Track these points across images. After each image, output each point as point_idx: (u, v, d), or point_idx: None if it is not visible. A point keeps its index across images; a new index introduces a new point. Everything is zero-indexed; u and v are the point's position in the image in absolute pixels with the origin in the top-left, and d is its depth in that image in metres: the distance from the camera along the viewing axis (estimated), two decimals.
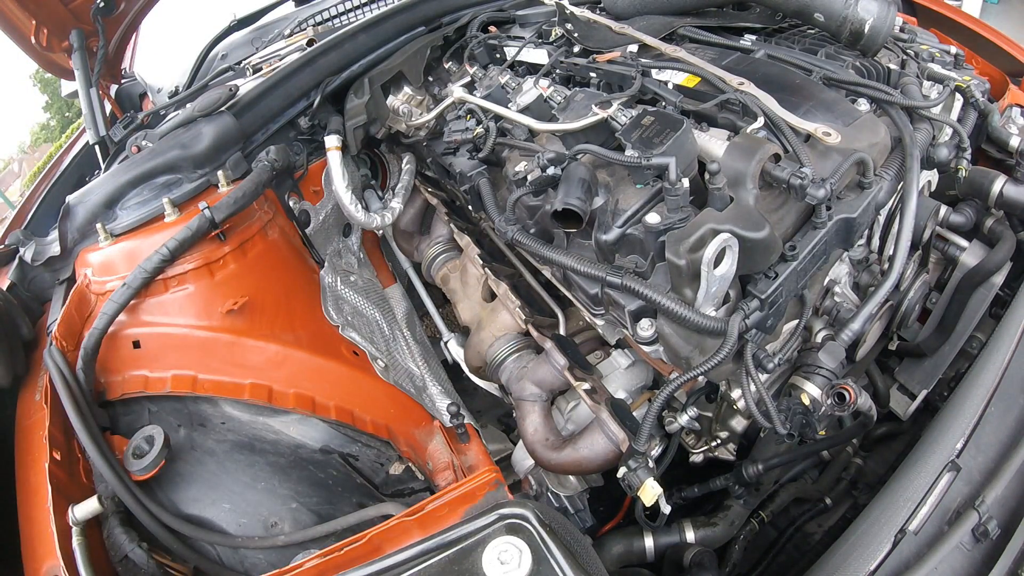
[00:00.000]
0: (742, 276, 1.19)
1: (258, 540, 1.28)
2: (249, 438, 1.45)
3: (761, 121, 1.29)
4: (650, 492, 1.24)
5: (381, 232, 2.09)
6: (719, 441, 1.61)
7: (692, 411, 1.54)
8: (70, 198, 1.63)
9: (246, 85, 1.78)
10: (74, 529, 1.14)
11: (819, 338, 1.46)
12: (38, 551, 1.17)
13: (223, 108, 1.66)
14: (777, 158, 1.21)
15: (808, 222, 1.22)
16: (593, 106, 1.43)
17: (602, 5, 1.91)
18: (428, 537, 0.88)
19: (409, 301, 2.15)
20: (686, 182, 1.22)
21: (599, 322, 1.39)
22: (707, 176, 1.17)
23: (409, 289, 2.19)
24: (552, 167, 1.35)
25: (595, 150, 1.32)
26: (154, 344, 1.46)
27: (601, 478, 1.72)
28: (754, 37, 1.70)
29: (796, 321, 1.36)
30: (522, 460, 1.65)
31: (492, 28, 2.01)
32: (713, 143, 1.33)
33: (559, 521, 0.93)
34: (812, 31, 1.70)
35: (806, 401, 1.37)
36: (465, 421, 1.67)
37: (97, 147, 2.07)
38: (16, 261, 1.70)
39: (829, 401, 1.37)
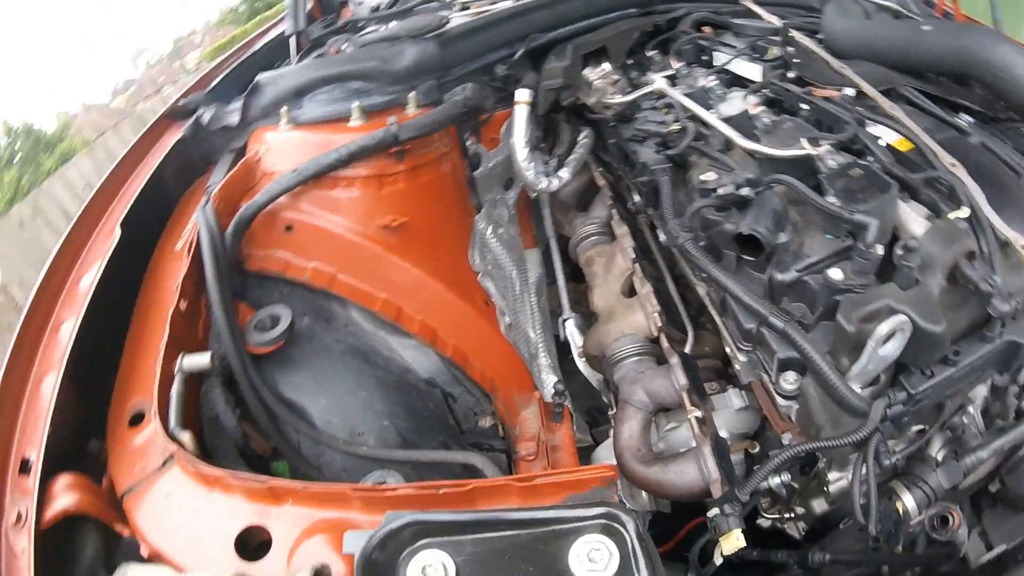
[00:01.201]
0: (897, 363, 1.13)
1: (342, 443, 1.31)
2: (365, 347, 1.48)
3: (967, 212, 1.21)
4: (734, 542, 1.21)
5: (535, 195, 2.08)
6: (794, 515, 1.54)
7: (785, 476, 1.47)
8: (261, 76, 1.69)
9: (456, 19, 1.79)
10: (177, 376, 1.19)
11: (936, 452, 1.37)
12: (132, 387, 1.23)
13: (430, 35, 1.68)
14: (971, 256, 1.14)
15: (978, 332, 1.15)
16: (802, 139, 1.37)
17: (822, 37, 1.82)
18: (526, 508, 0.88)
19: (543, 269, 2.15)
20: (880, 248, 1.17)
21: (741, 358, 1.35)
22: (899, 251, 1.11)
23: (545, 257, 2.18)
24: (747, 188, 1.31)
25: (797, 185, 1.27)
26: (305, 233, 1.50)
27: (669, 505, 1.69)
28: (970, 119, 1.59)
29: (924, 427, 1.29)
30: (603, 459, 1.64)
31: (706, 29, 1.95)
32: (912, 218, 1.26)
33: (650, 540, 0.91)
34: None
35: (901, 510, 1.30)
36: (565, 403, 1.67)
37: (292, 38, 2.14)
38: (192, 119, 1.77)
39: (927, 520, 1.31)
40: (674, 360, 1.53)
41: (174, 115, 1.85)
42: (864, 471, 1.16)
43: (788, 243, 1.28)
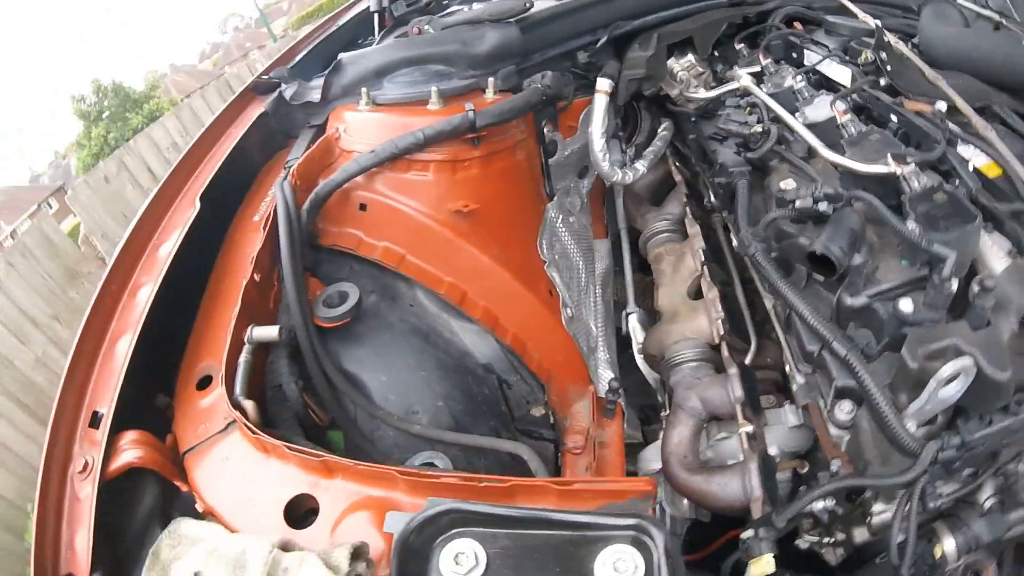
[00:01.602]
0: (956, 406, 1.11)
1: (396, 419, 1.35)
2: (428, 328, 1.53)
3: None
4: (764, 567, 1.20)
5: (610, 184, 2.07)
6: (833, 541, 1.51)
7: (830, 502, 1.42)
8: (344, 56, 1.72)
9: (540, 3, 1.77)
10: (246, 346, 1.25)
11: (986, 499, 1.31)
12: (202, 351, 1.30)
13: (512, 19, 1.67)
14: None
15: None
16: (889, 155, 1.32)
17: (917, 41, 1.72)
18: (561, 510, 0.89)
19: (611, 260, 2.14)
20: (955, 284, 1.12)
21: (799, 379, 1.33)
22: (975, 287, 1.07)
23: (615, 248, 2.17)
24: (825, 203, 1.27)
25: (878, 206, 1.23)
26: (379, 213, 1.54)
27: (709, 515, 1.69)
28: None
29: (975, 470, 1.25)
30: (650, 461, 1.65)
31: (797, 24, 1.87)
32: (993, 253, 1.21)
33: (679, 556, 0.93)
34: None
35: (938, 554, 1.28)
36: (619, 400, 1.68)
37: (376, 15, 2.16)
38: (276, 94, 1.83)
39: (960, 570, 1.27)
40: (732, 371, 1.52)
41: (257, 89, 1.90)
42: (907, 509, 1.15)
43: (862, 265, 1.24)
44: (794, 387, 1.36)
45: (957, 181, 1.32)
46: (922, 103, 1.47)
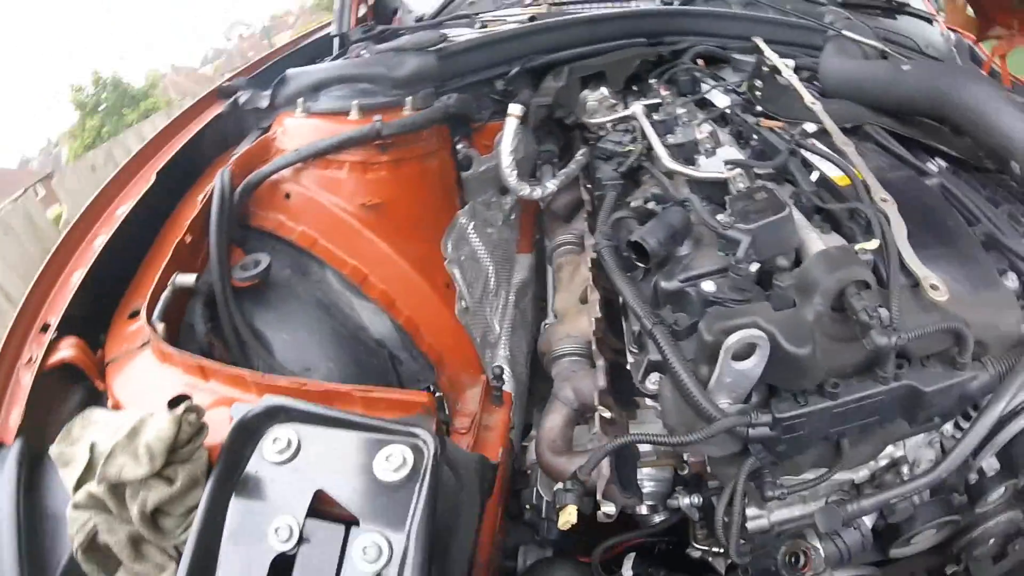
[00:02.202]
0: (771, 387, 1.15)
1: (289, 372, 1.52)
2: (330, 302, 1.73)
3: (875, 244, 1.22)
4: (568, 516, 1.31)
5: (544, 205, 2.28)
6: (721, 550, 1.47)
7: (696, 498, 1.44)
8: (289, 71, 2.01)
9: (462, 35, 2.04)
10: (168, 287, 1.48)
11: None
12: (137, 294, 1.54)
13: (431, 48, 1.94)
14: (864, 287, 1.10)
15: (873, 372, 1.12)
16: (722, 162, 1.48)
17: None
18: (359, 415, 1.07)
19: (533, 274, 2.32)
20: (754, 266, 1.23)
21: (630, 359, 1.45)
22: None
23: (540, 265, 2.35)
24: (654, 202, 1.44)
25: (694, 203, 1.38)
26: (299, 202, 1.79)
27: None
28: (944, 164, 1.59)
29: (825, 470, 1.26)
30: (531, 450, 1.78)
31: (701, 61, 2.06)
32: (815, 243, 1.28)
33: (445, 466, 1.05)
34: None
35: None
36: (504, 388, 1.83)
37: (336, 39, 2.50)
38: (232, 98, 2.12)
39: (781, 555, 1.31)
40: (600, 363, 1.65)
41: (220, 93, 2.21)
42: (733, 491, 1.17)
43: (684, 256, 1.37)
44: (630, 369, 1.47)
45: (798, 189, 1.43)
46: (777, 122, 1.64)
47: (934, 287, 1.14)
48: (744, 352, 1.07)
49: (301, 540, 0.95)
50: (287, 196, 1.79)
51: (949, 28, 2.60)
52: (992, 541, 1.38)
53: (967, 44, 2.45)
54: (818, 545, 1.34)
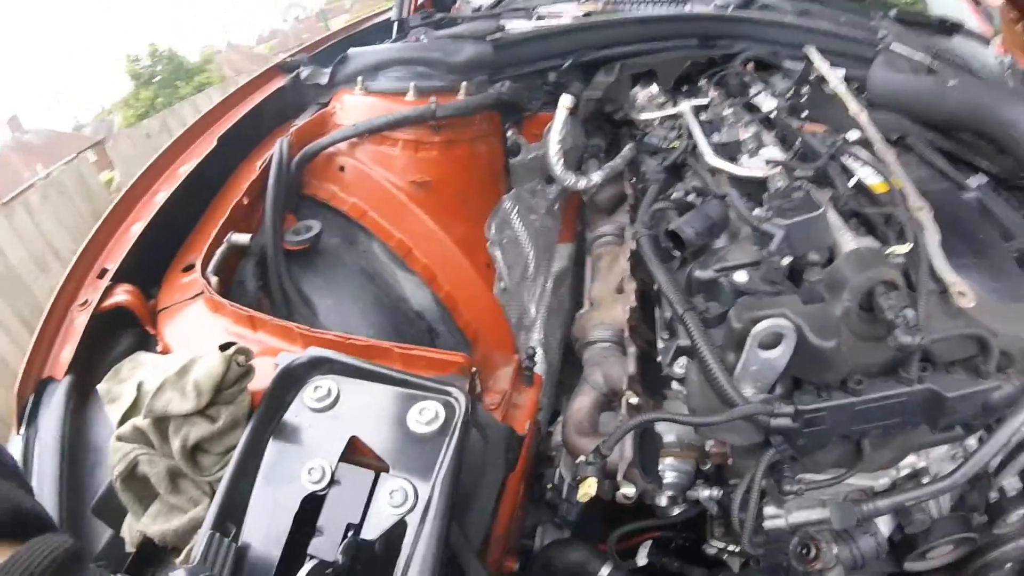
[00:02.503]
0: (796, 381, 1.16)
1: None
2: (375, 271, 1.81)
3: (907, 247, 1.25)
4: (587, 488, 1.31)
5: (588, 197, 2.34)
6: (737, 549, 1.52)
7: (715, 491, 1.46)
8: (351, 50, 2.10)
9: (518, 27, 2.12)
10: (224, 244, 1.55)
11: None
12: (193, 249, 1.62)
13: (488, 38, 2.01)
14: (893, 287, 1.10)
15: (896, 372, 1.14)
16: (766, 163, 1.52)
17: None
18: (397, 370, 1.12)
19: (572, 264, 2.38)
20: (786, 260, 1.27)
21: (660, 344, 1.50)
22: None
23: (580, 256, 2.40)
24: (694, 194, 1.49)
25: (733, 197, 1.43)
26: (353, 175, 1.87)
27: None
28: (984, 180, 1.60)
29: (844, 470, 1.27)
30: (558, 429, 1.83)
31: (751, 65, 2.09)
32: (847, 242, 1.32)
33: (475, 424, 1.09)
34: None
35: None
36: (536, 370, 1.89)
37: (396, 24, 2.59)
38: (294, 73, 2.21)
39: (793, 546, 1.31)
40: (631, 350, 1.71)
41: (282, 67, 2.30)
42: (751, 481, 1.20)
43: (719, 249, 1.43)
44: (660, 355, 1.52)
45: (835, 191, 1.46)
46: (817, 126, 1.67)
47: (961, 293, 1.17)
48: (771, 341, 1.11)
49: (332, 482, 0.99)
50: (341, 168, 1.87)
51: (1005, 51, 2.58)
52: (1009, 566, 1.38)
53: (1022, 70, 2.43)
54: (833, 548, 1.35)
